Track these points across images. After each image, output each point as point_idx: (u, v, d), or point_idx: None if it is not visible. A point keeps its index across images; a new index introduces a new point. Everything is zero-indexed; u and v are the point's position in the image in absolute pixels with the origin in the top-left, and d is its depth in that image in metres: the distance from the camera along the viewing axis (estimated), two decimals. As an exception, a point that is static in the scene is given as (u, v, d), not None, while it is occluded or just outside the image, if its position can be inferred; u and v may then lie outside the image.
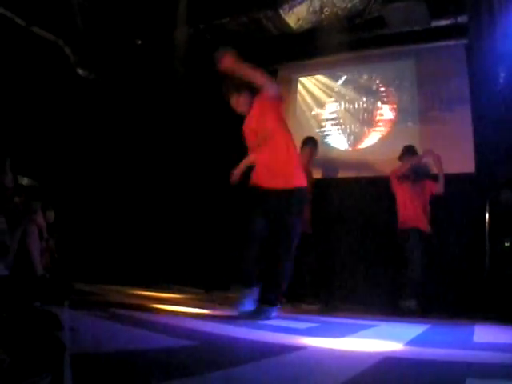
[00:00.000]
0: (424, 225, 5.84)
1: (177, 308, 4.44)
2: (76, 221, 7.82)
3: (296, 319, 4.35)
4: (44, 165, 7.65)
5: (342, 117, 7.99)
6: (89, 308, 3.66)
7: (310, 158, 6.37)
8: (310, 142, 6.45)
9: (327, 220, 6.88)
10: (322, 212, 6.64)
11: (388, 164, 7.14)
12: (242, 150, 4.59)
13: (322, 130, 8.07)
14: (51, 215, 6.87)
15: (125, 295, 5.77)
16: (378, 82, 7.84)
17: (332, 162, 7.66)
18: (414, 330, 3.86)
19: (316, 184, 6.42)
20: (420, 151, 6.21)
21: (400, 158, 6.16)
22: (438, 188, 5.86)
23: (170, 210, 8.23)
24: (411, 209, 5.93)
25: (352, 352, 2.49)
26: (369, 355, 2.40)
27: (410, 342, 2.98)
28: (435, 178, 5.92)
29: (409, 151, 6.13)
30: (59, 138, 7.83)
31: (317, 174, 7.07)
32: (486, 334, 4.00)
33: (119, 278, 7.43)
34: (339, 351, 2.51)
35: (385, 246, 6.58)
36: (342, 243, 6.48)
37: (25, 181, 7.14)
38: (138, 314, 3.64)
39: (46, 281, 4.69)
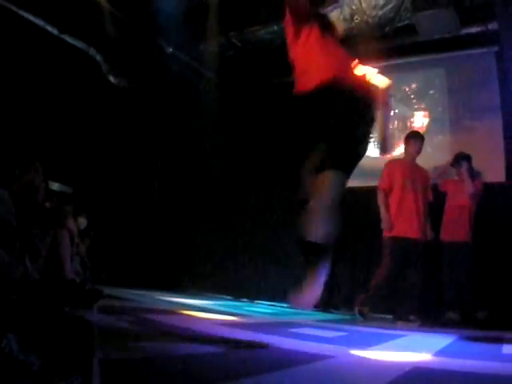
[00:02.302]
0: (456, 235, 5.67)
1: (206, 315, 4.45)
2: (108, 226, 7.89)
3: (325, 328, 4.32)
4: (77, 171, 7.75)
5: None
6: (117, 313, 3.68)
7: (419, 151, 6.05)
8: (420, 136, 6.12)
9: (362, 227, 6.75)
10: (354, 220, 6.54)
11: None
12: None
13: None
14: (83, 221, 6.94)
15: (154, 301, 5.80)
16: (408, 90, 7.77)
17: (363, 170, 7.56)
18: (443, 340, 3.81)
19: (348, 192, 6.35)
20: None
21: (452, 165, 5.99)
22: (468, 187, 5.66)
23: (207, 214, 8.26)
24: (446, 216, 5.81)
25: (380, 362, 2.47)
26: (397, 365, 2.37)
27: (439, 353, 2.95)
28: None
29: (461, 159, 5.88)
30: (93, 144, 7.93)
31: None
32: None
33: (149, 282, 7.49)
34: (368, 360, 2.48)
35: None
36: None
37: (55, 186, 7.22)
38: (166, 320, 3.65)
39: (75, 286, 4.72)
